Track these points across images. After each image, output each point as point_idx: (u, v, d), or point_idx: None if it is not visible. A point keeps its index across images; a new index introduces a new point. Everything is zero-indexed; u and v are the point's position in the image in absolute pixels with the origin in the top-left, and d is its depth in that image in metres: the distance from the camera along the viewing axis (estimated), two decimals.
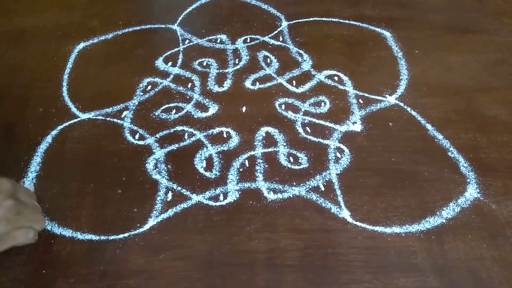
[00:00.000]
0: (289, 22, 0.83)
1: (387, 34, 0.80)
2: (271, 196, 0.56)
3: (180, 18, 0.85)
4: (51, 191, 0.57)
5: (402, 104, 0.68)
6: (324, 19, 0.84)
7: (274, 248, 0.52)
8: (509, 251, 0.51)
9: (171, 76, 0.73)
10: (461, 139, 0.62)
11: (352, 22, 0.83)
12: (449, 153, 0.61)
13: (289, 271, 0.50)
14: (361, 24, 0.83)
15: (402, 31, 0.81)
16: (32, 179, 0.59)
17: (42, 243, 0.52)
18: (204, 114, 0.67)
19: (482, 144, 0.62)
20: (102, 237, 0.53)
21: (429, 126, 0.64)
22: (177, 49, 0.78)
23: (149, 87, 0.71)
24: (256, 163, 0.60)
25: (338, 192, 0.57)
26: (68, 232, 0.53)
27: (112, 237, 0.53)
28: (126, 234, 0.53)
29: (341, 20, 0.83)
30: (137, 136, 0.64)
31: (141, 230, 0.53)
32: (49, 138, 0.64)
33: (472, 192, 0.56)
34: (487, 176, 0.58)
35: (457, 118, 0.66)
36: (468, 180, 0.58)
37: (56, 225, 0.54)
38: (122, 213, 0.55)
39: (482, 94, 0.69)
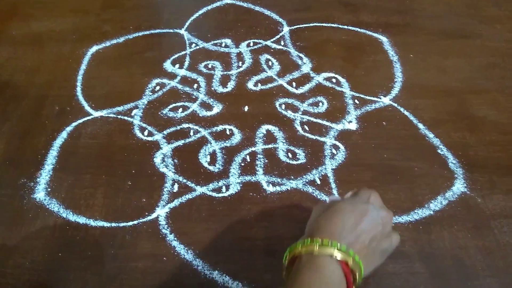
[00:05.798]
0: (290, 27, 0.87)
1: (383, 39, 0.84)
2: (270, 189, 0.60)
3: (187, 24, 0.90)
4: (66, 182, 0.62)
5: (395, 105, 0.71)
6: (324, 24, 0.88)
7: (272, 236, 0.55)
8: (492, 241, 0.54)
9: (178, 78, 0.78)
10: (450, 138, 0.66)
11: (350, 27, 0.87)
12: (439, 151, 0.64)
13: None
14: (359, 30, 0.87)
15: (399, 36, 0.85)
16: (49, 171, 0.63)
17: (58, 229, 0.57)
18: (208, 113, 0.71)
19: (471, 143, 0.65)
20: (113, 224, 0.57)
21: (420, 125, 0.68)
22: (184, 52, 0.83)
23: (158, 87, 0.76)
24: (257, 158, 0.64)
25: (333, 185, 0.60)
26: (82, 220, 0.58)
27: (122, 224, 0.57)
28: (135, 222, 0.57)
29: (340, 26, 0.87)
30: (146, 133, 0.68)
31: (149, 218, 0.57)
32: (64, 134, 0.68)
33: (459, 186, 0.60)
34: (474, 172, 0.61)
35: (448, 118, 0.69)
36: (456, 175, 0.61)
37: (71, 213, 0.58)
38: (131, 203, 0.59)
39: (473, 96, 0.72)
